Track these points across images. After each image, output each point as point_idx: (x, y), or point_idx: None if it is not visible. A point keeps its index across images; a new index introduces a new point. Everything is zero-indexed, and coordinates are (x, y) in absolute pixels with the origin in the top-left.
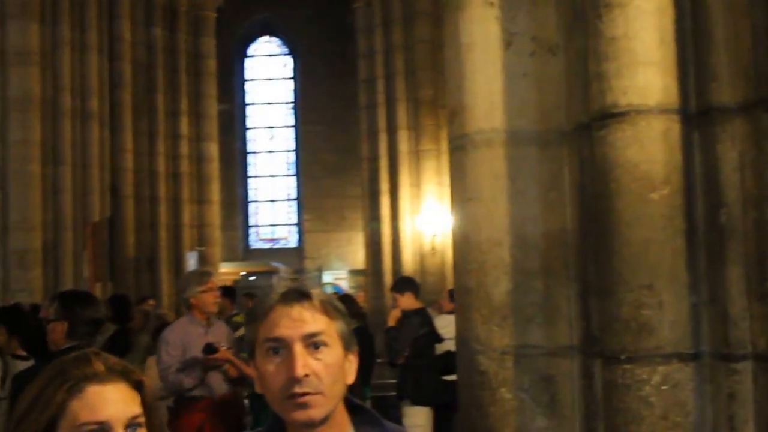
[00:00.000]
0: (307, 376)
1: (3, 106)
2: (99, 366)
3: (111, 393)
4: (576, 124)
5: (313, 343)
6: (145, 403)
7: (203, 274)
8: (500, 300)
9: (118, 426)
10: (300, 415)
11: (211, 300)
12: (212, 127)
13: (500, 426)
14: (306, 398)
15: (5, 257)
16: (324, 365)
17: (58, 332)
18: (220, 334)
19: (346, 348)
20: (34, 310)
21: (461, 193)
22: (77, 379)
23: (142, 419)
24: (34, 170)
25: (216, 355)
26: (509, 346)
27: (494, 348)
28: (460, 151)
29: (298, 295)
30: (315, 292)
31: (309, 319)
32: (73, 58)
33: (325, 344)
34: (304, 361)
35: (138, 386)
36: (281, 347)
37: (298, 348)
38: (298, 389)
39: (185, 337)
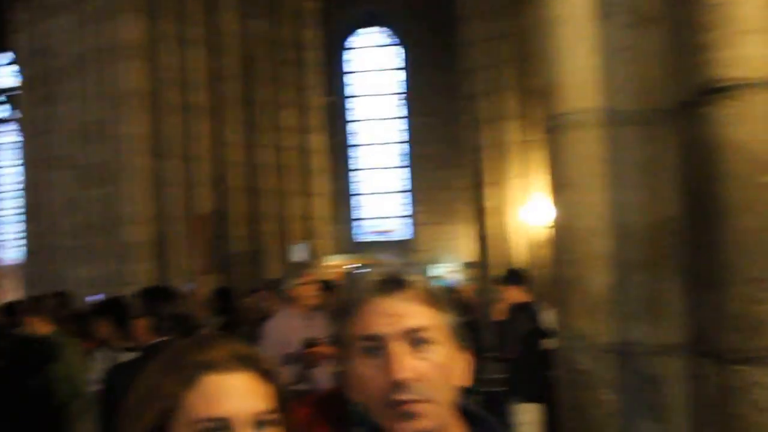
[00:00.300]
0: (411, 379)
1: (113, 101)
2: (219, 352)
3: (233, 384)
4: (679, 102)
5: (415, 340)
6: (279, 398)
7: (303, 266)
8: (601, 294)
9: (241, 423)
10: (405, 427)
11: (310, 293)
12: (317, 119)
13: (602, 430)
14: (411, 407)
15: (117, 250)
16: (431, 366)
17: (141, 328)
18: (321, 328)
19: (457, 344)
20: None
21: (558, 179)
22: (193, 367)
23: (273, 416)
24: (143, 164)
25: (316, 349)
26: (611, 344)
27: (595, 345)
28: (554, 134)
29: (395, 283)
30: (415, 279)
31: (410, 312)
32: (179, 52)
33: (430, 341)
34: (406, 362)
35: (268, 377)
36: (378, 346)
37: (398, 347)
38: (401, 396)
39: (284, 331)
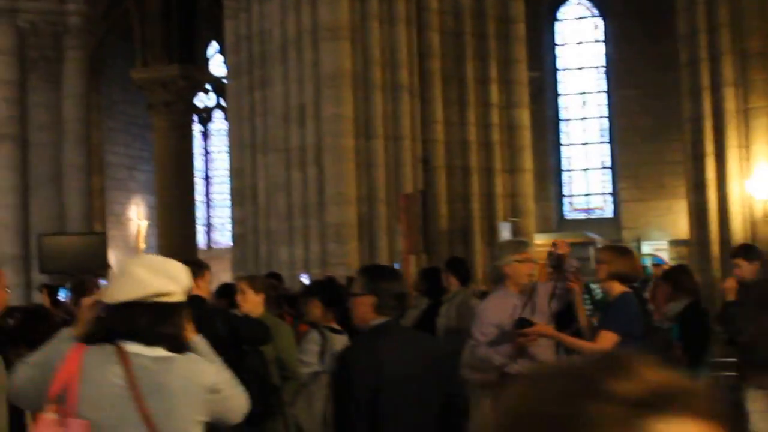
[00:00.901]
0: None
1: (316, 82)
2: (671, 389)
3: None
4: None
5: None
6: None
7: (519, 243)
8: None
9: None
10: None
11: (525, 271)
12: (523, 94)
13: None
14: None
15: (322, 231)
16: None
17: (365, 306)
18: (541, 306)
19: None
20: (350, 284)
21: None
22: (632, 404)
23: None
24: (347, 144)
25: (529, 329)
26: None
27: None
28: None
29: None
30: None
31: None
32: (381, 30)
33: None
34: None
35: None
36: None
37: None
38: None
39: (499, 311)
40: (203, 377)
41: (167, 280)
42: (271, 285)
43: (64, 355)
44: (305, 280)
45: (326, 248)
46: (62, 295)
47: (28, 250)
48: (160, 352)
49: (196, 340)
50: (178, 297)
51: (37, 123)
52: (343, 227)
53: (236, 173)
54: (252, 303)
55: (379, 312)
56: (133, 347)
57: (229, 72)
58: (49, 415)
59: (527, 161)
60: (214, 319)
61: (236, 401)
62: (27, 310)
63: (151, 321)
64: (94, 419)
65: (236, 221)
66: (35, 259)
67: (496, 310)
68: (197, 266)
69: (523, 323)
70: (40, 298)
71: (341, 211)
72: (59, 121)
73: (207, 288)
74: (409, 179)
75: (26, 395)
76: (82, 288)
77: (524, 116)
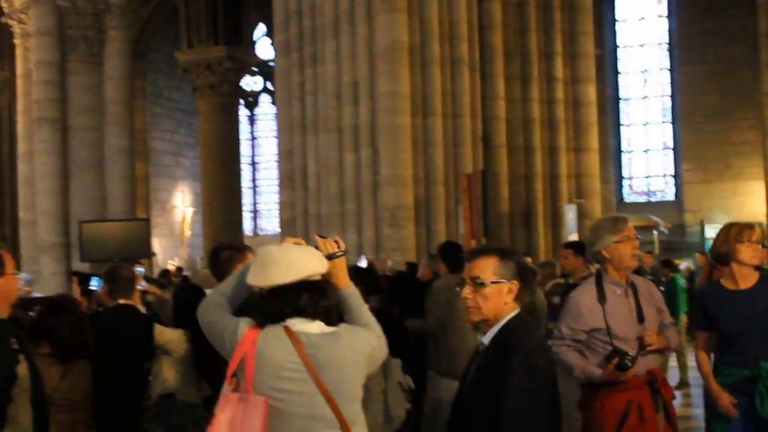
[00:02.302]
0: None
1: (370, 57)
2: None
3: None
4: None
5: None
6: None
7: (617, 220)
8: None
9: None
10: None
11: (628, 252)
12: (589, 68)
13: None
14: None
15: (377, 215)
16: None
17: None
18: (649, 298)
19: None
20: (411, 270)
21: None
22: None
23: None
24: (403, 123)
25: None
26: None
27: None
28: None
29: None
30: None
31: None
32: (440, 1)
33: None
34: None
35: None
36: None
37: None
38: None
39: (598, 308)
40: (364, 345)
41: (317, 261)
42: None
43: (241, 339)
44: (363, 263)
45: (381, 233)
46: (95, 284)
47: (68, 237)
48: (321, 327)
49: (348, 291)
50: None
51: (78, 106)
52: (398, 210)
53: (285, 155)
54: None
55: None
56: (297, 325)
57: (277, 50)
58: (230, 392)
59: (593, 140)
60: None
61: (382, 353)
62: (48, 301)
63: (312, 298)
64: (272, 395)
65: (284, 205)
66: (76, 247)
67: (594, 307)
68: (237, 250)
69: (623, 364)
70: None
71: (397, 194)
72: (101, 104)
73: None
74: (468, 159)
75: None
76: (116, 277)
77: (590, 92)
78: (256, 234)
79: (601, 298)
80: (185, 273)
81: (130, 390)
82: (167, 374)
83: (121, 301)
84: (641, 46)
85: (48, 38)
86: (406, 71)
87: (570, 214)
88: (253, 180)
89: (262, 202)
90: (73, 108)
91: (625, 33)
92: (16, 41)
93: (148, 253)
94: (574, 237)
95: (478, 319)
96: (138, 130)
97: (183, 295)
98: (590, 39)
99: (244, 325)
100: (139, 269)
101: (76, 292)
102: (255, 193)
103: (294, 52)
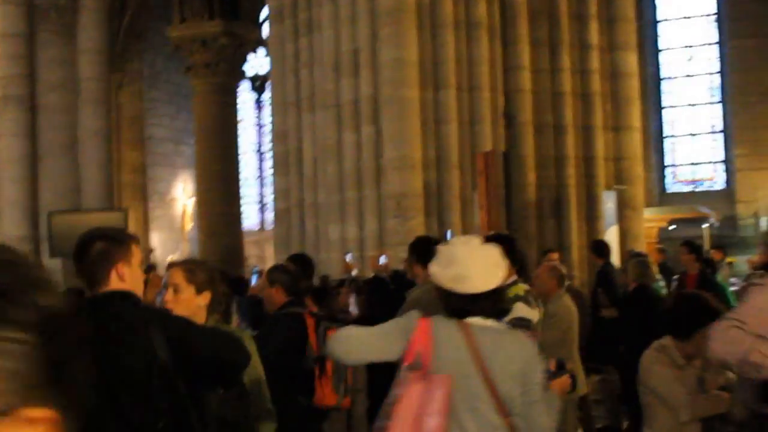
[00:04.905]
0: None
1: (372, 21)
2: None
3: None
4: None
5: None
6: None
7: None
8: None
9: None
10: None
11: None
12: (629, 33)
13: None
14: None
15: (380, 204)
16: None
17: None
18: None
19: None
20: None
21: None
22: None
23: None
24: (410, 96)
25: None
26: None
27: None
28: None
29: None
30: None
31: None
32: None
33: None
34: None
35: None
36: None
37: None
38: None
39: None
40: (523, 352)
41: (503, 269)
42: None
43: (416, 327)
44: (384, 260)
45: (384, 225)
46: None
47: (37, 230)
48: (491, 323)
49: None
50: None
51: (48, 83)
52: (405, 199)
53: (279, 136)
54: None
55: None
56: (471, 320)
57: (270, 15)
58: (410, 372)
59: (635, 116)
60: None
61: (540, 419)
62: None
63: (496, 303)
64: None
65: (279, 194)
66: (45, 240)
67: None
68: (115, 242)
69: None
70: None
71: (403, 179)
72: (74, 81)
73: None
74: (487, 139)
75: (356, 352)
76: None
77: (631, 60)
78: (262, 228)
79: None
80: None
81: None
82: None
83: None
84: (686, 18)
85: (14, 7)
86: (414, 36)
87: (608, 202)
88: (260, 170)
89: (270, 194)
90: (43, 85)
91: (666, 5)
92: None
93: None
94: (613, 230)
95: None
96: (134, 115)
97: None
98: (630, 1)
99: (416, 314)
100: None
101: None
102: (261, 184)
103: (288, 18)
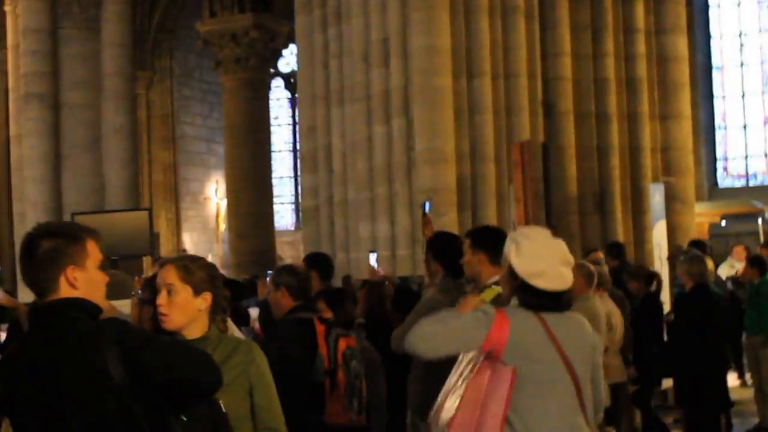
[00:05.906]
0: None
1: (402, 7)
2: None
3: None
4: None
5: None
6: None
7: None
8: None
9: None
10: None
11: None
12: (678, 15)
13: None
14: None
15: (412, 199)
16: None
17: None
18: None
19: None
20: None
21: None
22: None
23: None
24: (443, 85)
25: None
26: None
27: None
28: None
29: None
30: None
31: None
32: None
33: None
34: None
35: None
36: None
37: None
38: None
39: None
40: (589, 336)
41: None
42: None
43: (494, 318)
44: (373, 260)
45: (417, 221)
46: None
47: None
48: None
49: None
50: None
51: (71, 80)
52: (438, 193)
53: (307, 132)
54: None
55: None
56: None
57: (297, 7)
58: (484, 360)
59: (684, 104)
60: None
61: (600, 396)
62: None
63: (570, 299)
64: (521, 366)
65: (307, 191)
66: None
67: None
68: (67, 238)
69: None
70: None
71: (436, 173)
72: (97, 77)
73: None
74: (525, 129)
75: (443, 347)
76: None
77: (680, 44)
78: (298, 228)
79: None
80: None
81: None
82: None
83: None
84: (738, 4)
85: (36, 3)
86: (446, 21)
87: (656, 195)
88: (294, 168)
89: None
90: (66, 82)
91: None
92: (6, 8)
93: (148, 250)
94: (661, 224)
95: None
96: (164, 114)
97: None
98: None
99: (490, 308)
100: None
101: None
102: (297, 183)
103: (316, 7)
